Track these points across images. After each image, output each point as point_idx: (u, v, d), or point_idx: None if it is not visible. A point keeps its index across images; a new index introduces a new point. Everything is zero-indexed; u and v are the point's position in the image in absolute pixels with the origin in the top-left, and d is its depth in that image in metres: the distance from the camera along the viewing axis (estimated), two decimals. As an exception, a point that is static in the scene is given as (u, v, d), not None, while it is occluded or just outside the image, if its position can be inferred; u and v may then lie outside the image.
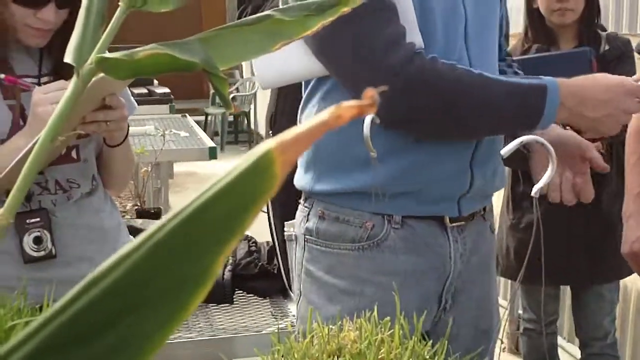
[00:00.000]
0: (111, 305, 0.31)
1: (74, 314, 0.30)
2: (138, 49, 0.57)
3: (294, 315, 1.93)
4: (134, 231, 2.07)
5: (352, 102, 0.32)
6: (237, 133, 10.45)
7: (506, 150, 1.10)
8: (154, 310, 0.31)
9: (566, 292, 2.91)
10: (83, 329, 0.30)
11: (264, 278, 2.03)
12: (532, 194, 1.08)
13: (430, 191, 1.35)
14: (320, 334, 1.16)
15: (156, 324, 0.31)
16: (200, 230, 0.32)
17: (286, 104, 2.23)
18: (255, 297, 2.06)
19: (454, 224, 1.40)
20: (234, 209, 0.32)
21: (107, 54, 0.57)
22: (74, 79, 0.55)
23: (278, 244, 2.38)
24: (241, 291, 2.06)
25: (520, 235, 2.42)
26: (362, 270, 1.38)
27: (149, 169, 3.92)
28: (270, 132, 2.29)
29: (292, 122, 2.33)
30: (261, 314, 1.97)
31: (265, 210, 2.44)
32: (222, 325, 1.89)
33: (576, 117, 1.23)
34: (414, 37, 1.25)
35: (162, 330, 0.31)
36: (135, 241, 0.32)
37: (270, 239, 2.22)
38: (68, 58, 0.56)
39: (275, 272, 2.06)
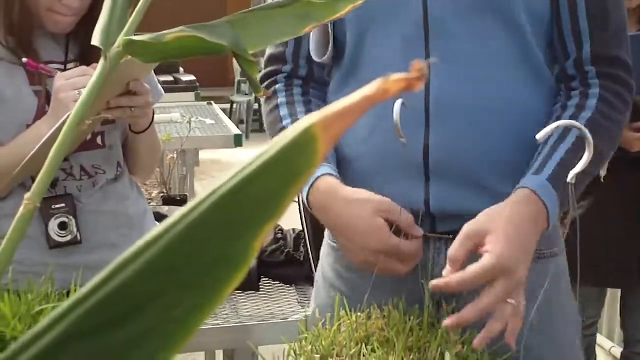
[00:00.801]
0: (140, 289, 0.30)
1: (102, 298, 0.29)
2: (165, 31, 0.56)
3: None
4: (160, 218, 2.07)
5: (400, 75, 0.30)
6: (262, 121, 10.42)
7: (542, 134, 1.07)
8: (187, 294, 0.30)
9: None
10: (111, 313, 0.29)
11: (289, 265, 2.02)
12: (568, 179, 1.05)
13: None
14: (348, 322, 1.15)
15: (188, 309, 0.30)
16: (237, 210, 0.30)
17: None
18: (281, 284, 2.05)
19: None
20: (273, 188, 0.30)
21: (135, 37, 0.56)
22: (101, 61, 0.54)
23: (307, 231, 2.37)
24: (267, 278, 2.05)
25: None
26: None
27: (175, 156, 3.93)
28: None
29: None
30: (287, 300, 1.96)
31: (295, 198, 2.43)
32: (248, 312, 1.88)
33: None
34: None
35: (194, 315, 0.30)
36: (167, 222, 0.31)
37: (295, 227, 2.21)
38: (95, 41, 0.55)
39: (301, 259, 2.05)
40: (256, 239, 0.31)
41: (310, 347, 1.10)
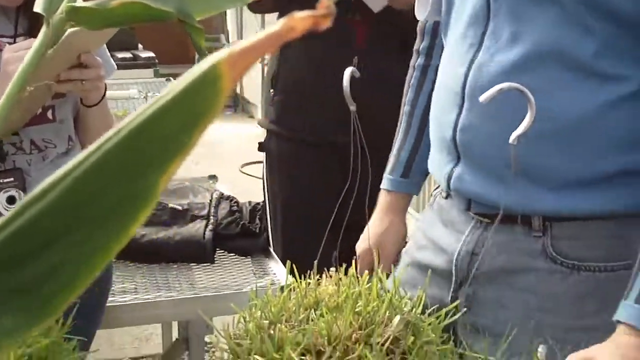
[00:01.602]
0: (47, 227, 0.29)
1: (9, 235, 0.29)
2: (110, -2, 0.55)
3: (274, 274, 1.93)
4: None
5: (305, 13, 0.30)
6: (223, 98, 10.37)
7: (485, 97, 1.07)
8: (93, 232, 0.30)
9: None
10: (18, 251, 0.29)
11: (245, 237, 2.02)
12: (510, 140, 1.05)
13: None
14: (298, 288, 1.15)
15: (95, 247, 0.30)
16: (141, 148, 0.30)
17: (287, 63, 2.23)
18: (236, 256, 2.05)
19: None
20: (177, 126, 0.30)
21: (78, 3, 0.55)
22: (43, 28, 0.54)
23: (267, 204, 2.38)
24: (223, 251, 2.05)
25: None
26: None
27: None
28: (272, 91, 2.28)
29: (295, 81, 2.31)
30: (242, 272, 1.96)
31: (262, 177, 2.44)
32: (203, 284, 1.88)
33: None
34: None
35: (101, 252, 0.30)
36: (73, 161, 0.31)
37: (251, 200, 2.21)
38: (38, 7, 0.55)
39: (257, 231, 2.05)
40: (162, 178, 0.30)
41: (259, 313, 1.10)
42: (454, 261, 1.28)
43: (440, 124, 1.28)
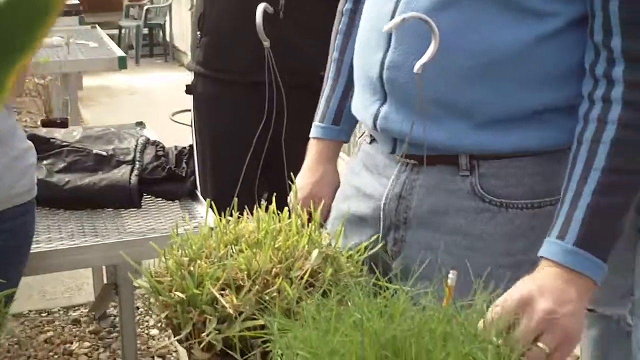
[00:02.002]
0: None
1: None
2: None
3: (202, 217, 1.94)
4: (38, 140, 2.02)
5: None
6: (152, 46, 10.20)
7: (388, 26, 1.06)
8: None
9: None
10: None
11: (171, 181, 2.02)
12: (415, 70, 1.06)
13: None
14: (219, 226, 1.16)
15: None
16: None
17: (213, 4, 2.22)
18: (163, 201, 2.04)
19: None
20: (18, 25, 0.30)
21: None
22: None
23: (195, 148, 2.38)
24: (149, 195, 2.04)
25: None
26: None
27: (57, 80, 3.81)
28: (199, 32, 2.26)
29: (220, 22, 2.29)
30: (170, 216, 1.96)
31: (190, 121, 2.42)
32: (130, 229, 1.88)
33: None
34: None
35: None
36: None
37: (177, 145, 2.20)
38: None
39: (184, 175, 2.05)
40: (6, 77, 0.30)
41: (179, 251, 1.11)
42: (382, 206, 1.27)
43: (366, 63, 1.27)
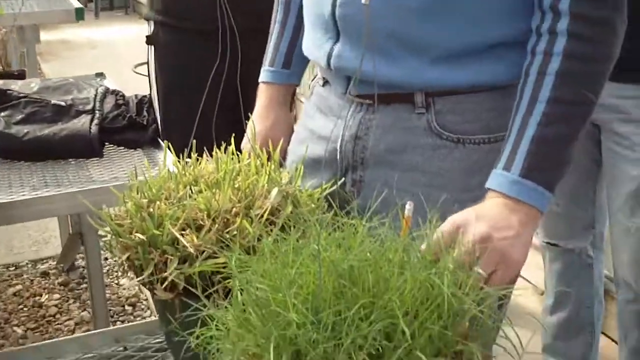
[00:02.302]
0: None
1: None
2: None
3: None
4: (-6, 91, 2.00)
5: None
6: (112, -2, 10.01)
7: None
8: None
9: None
10: None
11: (133, 130, 2.00)
12: (363, 1, 1.04)
13: None
14: (177, 168, 1.16)
15: None
16: None
17: None
18: (126, 150, 2.03)
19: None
20: None
21: None
22: None
23: (156, 95, 2.36)
24: (111, 144, 2.02)
25: None
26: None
27: (12, 33, 3.74)
28: None
29: None
30: (133, 165, 1.95)
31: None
32: (93, 178, 1.86)
33: None
34: None
35: None
36: None
37: (137, 93, 2.18)
38: None
39: (145, 123, 2.03)
40: None
41: (138, 194, 1.11)
42: (338, 148, 1.28)
43: (317, 1, 1.26)
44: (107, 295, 2.86)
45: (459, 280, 0.84)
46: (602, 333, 2.52)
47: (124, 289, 3.03)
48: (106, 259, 3.13)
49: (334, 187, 1.19)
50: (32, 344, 1.41)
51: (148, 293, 2.93)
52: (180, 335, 0.88)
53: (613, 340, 2.66)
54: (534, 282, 3.03)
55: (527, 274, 3.05)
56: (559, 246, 2.30)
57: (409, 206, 0.93)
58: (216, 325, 0.83)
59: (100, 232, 1.17)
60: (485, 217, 1.02)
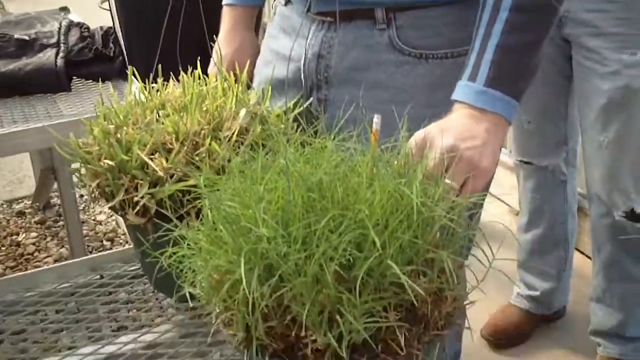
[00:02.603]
0: None
1: None
2: None
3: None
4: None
5: None
6: None
7: None
8: None
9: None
10: None
11: (100, 62, 1.97)
12: None
13: None
14: (144, 93, 1.15)
15: None
16: None
17: None
18: (94, 83, 2.00)
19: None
20: None
21: None
22: None
23: (120, 27, 2.32)
24: (78, 78, 2.00)
25: None
26: None
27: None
28: None
29: None
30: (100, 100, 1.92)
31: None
32: (61, 113, 1.84)
33: None
34: None
35: None
36: None
37: (103, 25, 2.14)
38: None
39: (112, 55, 2.00)
40: None
41: (105, 121, 1.10)
42: (302, 67, 1.27)
43: None
44: (85, 231, 2.86)
45: (428, 191, 0.85)
46: (576, 249, 2.57)
47: (102, 224, 3.03)
48: (82, 195, 3.11)
49: (303, 107, 1.18)
50: (9, 276, 1.41)
51: (121, 221, 2.93)
52: (152, 256, 0.88)
53: (587, 256, 2.71)
54: (509, 203, 3.06)
55: (502, 195, 3.08)
56: (532, 164, 2.32)
57: (376, 119, 0.93)
58: (188, 245, 0.83)
59: (72, 166, 1.16)
60: (450, 129, 1.01)
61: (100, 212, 3.10)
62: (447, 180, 0.92)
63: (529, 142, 2.28)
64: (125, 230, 2.93)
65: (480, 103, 1.05)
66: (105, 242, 2.88)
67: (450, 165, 0.95)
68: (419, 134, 1.01)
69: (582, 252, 2.78)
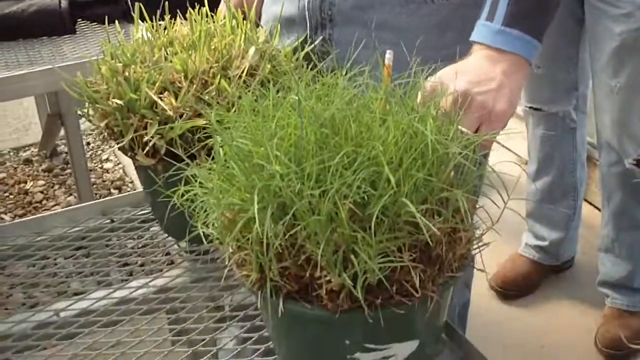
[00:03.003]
0: None
1: None
2: None
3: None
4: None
5: None
6: None
7: None
8: None
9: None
10: None
11: (104, 4, 1.94)
12: None
13: None
14: (151, 31, 1.13)
15: None
16: None
17: None
18: (98, 25, 1.97)
19: None
20: None
21: None
22: None
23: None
24: (83, 20, 1.97)
25: None
26: None
27: None
28: None
29: None
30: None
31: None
32: (67, 55, 1.82)
33: None
34: None
35: None
36: None
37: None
38: None
39: (117, -3, 1.97)
40: None
41: (112, 59, 1.08)
42: (306, 5, 1.24)
43: None
44: (92, 179, 2.86)
45: (442, 129, 0.83)
46: (585, 200, 2.56)
47: (109, 172, 3.02)
48: (88, 143, 3.10)
49: (313, 45, 1.16)
50: (19, 220, 1.40)
51: (133, 175, 2.92)
52: (164, 196, 0.86)
53: (595, 207, 2.70)
54: (517, 152, 3.04)
55: (511, 144, 3.06)
56: (542, 110, 2.29)
57: (388, 55, 0.90)
58: (200, 183, 0.82)
59: (79, 111, 1.14)
60: (465, 72, 0.98)
61: (107, 160, 3.09)
62: (460, 127, 0.90)
63: (539, 88, 2.25)
64: (132, 177, 2.92)
65: (497, 43, 1.01)
66: (112, 190, 2.88)
67: (463, 110, 0.93)
68: (433, 78, 0.98)
69: (590, 203, 2.76)
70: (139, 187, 1.47)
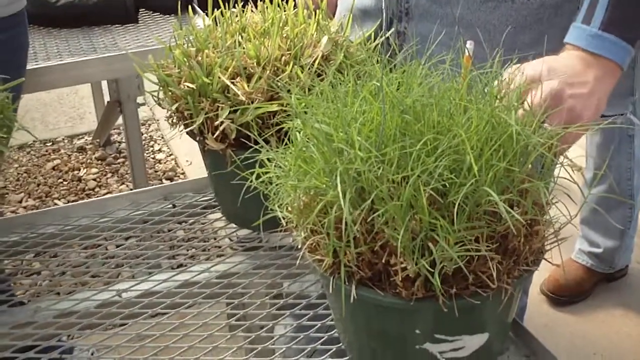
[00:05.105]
0: None
1: None
2: None
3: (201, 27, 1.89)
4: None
5: None
6: None
7: None
8: None
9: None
10: None
11: (168, -6, 1.96)
12: None
13: None
14: (224, 17, 1.13)
15: None
16: None
17: None
18: (160, 15, 1.99)
19: None
20: None
21: None
22: None
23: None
24: (145, 10, 1.98)
25: None
26: None
27: None
28: None
29: None
30: (168, 31, 1.91)
31: None
32: (129, 45, 1.83)
33: None
34: None
35: None
36: None
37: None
38: None
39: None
40: None
41: (185, 43, 1.08)
42: None
43: None
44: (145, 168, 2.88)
45: (524, 119, 0.82)
46: (641, 207, 2.51)
47: (161, 163, 3.04)
48: (142, 134, 3.13)
49: (386, 37, 1.15)
50: (83, 201, 1.41)
51: (185, 166, 2.94)
52: (233, 180, 0.86)
53: (652, 213, 2.64)
54: (571, 159, 2.99)
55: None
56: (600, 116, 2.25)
57: (469, 45, 0.89)
58: (277, 165, 0.81)
59: (139, 101, 1.15)
60: (558, 70, 0.96)
61: (160, 151, 3.11)
62: (545, 125, 0.88)
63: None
64: (184, 169, 2.94)
65: (593, 47, 0.99)
66: (164, 181, 2.90)
67: (550, 110, 0.91)
68: (522, 70, 0.96)
69: (647, 211, 2.71)
70: (190, 178, 1.47)
